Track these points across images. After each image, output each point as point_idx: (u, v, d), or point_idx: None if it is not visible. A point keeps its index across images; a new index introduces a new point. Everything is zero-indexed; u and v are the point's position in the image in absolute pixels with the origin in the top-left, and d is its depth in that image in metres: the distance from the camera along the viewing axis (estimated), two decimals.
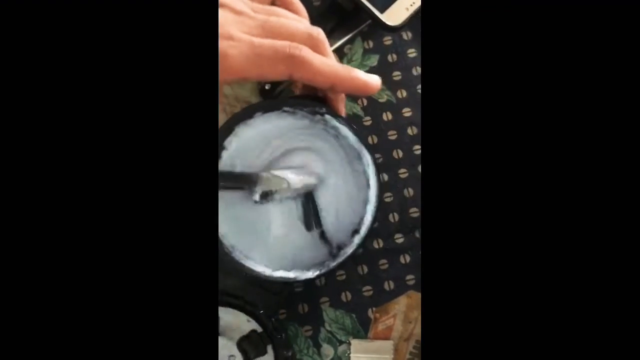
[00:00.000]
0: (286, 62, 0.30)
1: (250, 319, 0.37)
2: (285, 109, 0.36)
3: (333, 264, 0.36)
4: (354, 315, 0.39)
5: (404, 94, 0.43)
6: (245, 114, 0.36)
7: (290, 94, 0.42)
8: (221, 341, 0.36)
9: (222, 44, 0.29)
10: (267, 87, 0.41)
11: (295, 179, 0.37)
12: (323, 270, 0.36)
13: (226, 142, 0.36)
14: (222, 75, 0.30)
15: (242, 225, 0.36)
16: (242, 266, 0.35)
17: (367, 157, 0.37)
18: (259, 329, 0.37)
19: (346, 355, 0.38)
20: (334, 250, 0.37)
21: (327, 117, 0.37)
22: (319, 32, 0.33)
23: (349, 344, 0.39)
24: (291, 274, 0.36)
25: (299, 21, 0.33)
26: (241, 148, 0.37)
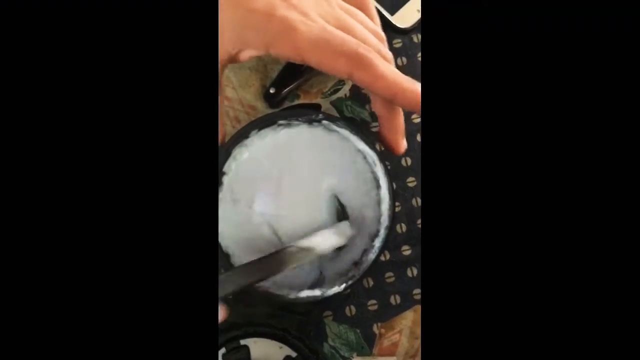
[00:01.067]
0: (351, 57, 0.29)
1: (283, 345, 0.35)
2: (280, 122, 0.35)
3: (359, 272, 0.34)
4: (358, 331, 0.38)
5: None
6: (241, 135, 0.35)
7: (295, 99, 0.41)
8: None
9: (295, 17, 0.29)
10: (271, 91, 0.39)
11: (325, 245, 0.34)
12: (350, 282, 0.34)
13: (225, 167, 0.35)
14: (281, 47, 0.29)
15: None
16: (267, 293, 0.33)
17: (372, 157, 0.36)
18: (293, 354, 0.35)
19: None
20: (357, 257, 0.36)
21: (325, 122, 0.36)
22: (387, 50, 0.32)
23: None
24: (317, 292, 0.34)
25: (374, 33, 0.32)
26: (242, 171, 0.36)
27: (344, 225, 0.35)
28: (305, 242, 0.33)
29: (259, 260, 0.32)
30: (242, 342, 0.35)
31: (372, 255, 0.35)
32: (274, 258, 0.32)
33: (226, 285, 0.29)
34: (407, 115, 0.41)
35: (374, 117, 0.41)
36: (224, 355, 0.35)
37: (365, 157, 0.37)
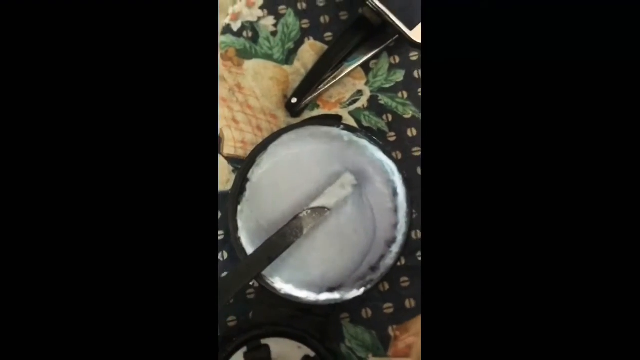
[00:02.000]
0: None
1: (302, 345, 0.36)
2: (300, 131, 0.37)
3: (376, 276, 0.36)
4: (373, 332, 0.39)
5: None
6: (265, 144, 0.37)
7: (314, 108, 0.42)
8: None
9: None
10: (293, 101, 0.41)
11: (333, 200, 0.37)
12: (369, 286, 0.36)
13: (249, 174, 0.37)
14: None
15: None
16: (289, 296, 0.35)
17: (390, 166, 0.37)
18: (312, 354, 0.36)
19: None
20: (374, 263, 0.37)
21: (344, 132, 0.37)
22: None
23: None
24: (336, 295, 0.36)
25: None
26: (264, 177, 0.38)
27: (347, 177, 0.37)
28: (315, 204, 0.36)
29: (279, 232, 0.35)
30: (263, 341, 0.37)
31: (389, 261, 0.36)
32: (291, 226, 0.36)
33: (256, 262, 0.34)
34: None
35: (391, 127, 0.42)
36: (245, 354, 0.36)
37: (383, 166, 0.38)
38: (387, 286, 0.40)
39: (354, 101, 0.43)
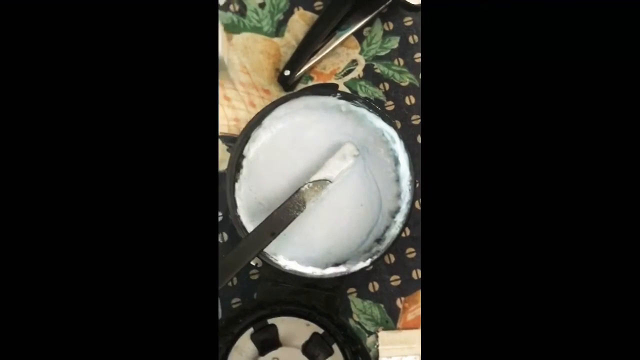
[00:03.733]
0: None
1: (310, 322, 0.35)
2: (294, 103, 0.35)
3: (382, 247, 0.35)
4: (382, 306, 0.38)
5: None
6: (259, 119, 0.35)
7: (308, 81, 0.41)
8: (286, 351, 0.35)
9: None
10: (286, 74, 0.40)
11: (335, 172, 0.36)
12: (375, 257, 0.35)
13: (245, 150, 0.36)
14: None
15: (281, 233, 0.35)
16: (294, 272, 0.34)
17: (391, 134, 0.36)
18: (320, 330, 0.35)
19: (375, 347, 0.38)
20: (380, 235, 0.36)
21: (341, 102, 0.36)
22: None
23: (377, 335, 0.38)
24: (342, 268, 0.35)
25: None
26: (260, 152, 0.37)
27: (347, 147, 0.36)
28: (316, 177, 0.36)
29: (281, 207, 0.34)
30: (270, 321, 0.36)
31: (394, 231, 0.35)
32: (292, 200, 0.35)
33: (258, 238, 0.33)
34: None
35: (388, 95, 0.41)
36: (252, 335, 0.36)
37: (383, 135, 0.37)
38: (393, 258, 0.39)
39: (349, 71, 0.41)
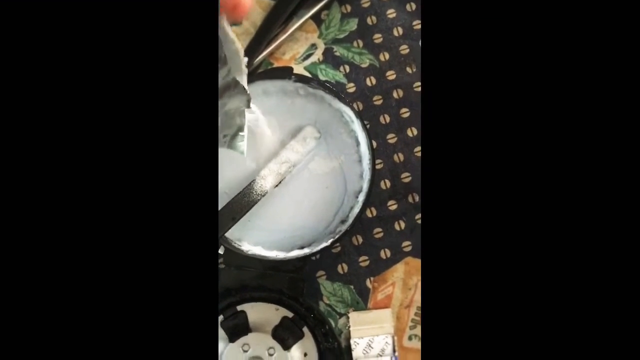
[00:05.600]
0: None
1: (279, 307, 0.36)
2: (251, 89, 0.35)
3: (344, 227, 0.35)
4: (351, 287, 0.39)
5: (387, 56, 0.41)
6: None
7: (268, 66, 0.41)
8: (256, 336, 0.35)
9: None
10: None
11: (296, 155, 0.36)
12: (337, 236, 0.35)
13: None
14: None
15: (244, 217, 0.35)
16: (257, 255, 0.34)
17: (349, 114, 0.36)
18: (290, 314, 0.36)
19: (346, 328, 0.38)
20: (345, 216, 0.36)
21: (299, 85, 0.36)
22: None
23: (348, 317, 0.38)
24: (306, 250, 0.35)
25: None
26: None
27: (308, 130, 0.36)
28: (277, 161, 0.36)
29: (241, 192, 0.34)
30: (239, 308, 0.36)
31: (356, 210, 0.35)
32: (253, 185, 0.35)
33: (220, 222, 0.33)
34: (382, 73, 0.41)
35: (349, 78, 0.41)
36: (222, 323, 0.36)
37: (342, 116, 0.37)
38: (360, 239, 0.39)
39: (309, 55, 0.41)
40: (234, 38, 0.29)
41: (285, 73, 0.36)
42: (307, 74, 0.41)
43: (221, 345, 0.36)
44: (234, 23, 0.34)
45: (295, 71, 0.37)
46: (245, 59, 0.31)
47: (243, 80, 0.30)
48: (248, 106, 0.31)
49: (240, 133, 0.32)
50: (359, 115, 0.35)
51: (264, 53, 0.40)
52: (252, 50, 0.40)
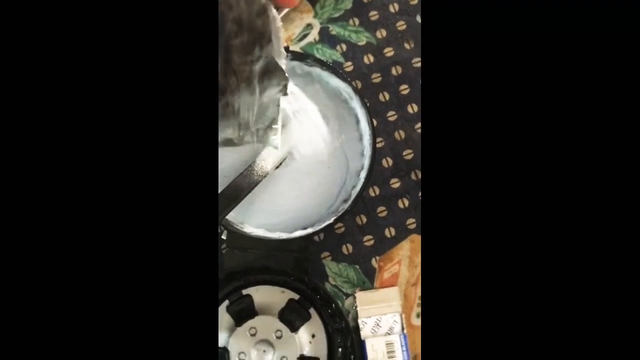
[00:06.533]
0: None
1: (284, 289, 0.35)
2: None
3: (347, 205, 0.35)
4: (357, 267, 0.38)
5: (384, 33, 0.41)
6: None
7: None
8: (263, 320, 0.34)
9: None
10: None
11: (297, 135, 0.35)
12: (340, 214, 0.34)
13: None
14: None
15: (246, 200, 0.34)
16: (260, 237, 0.34)
17: (348, 92, 0.36)
18: (296, 296, 0.35)
19: (353, 308, 0.37)
20: (347, 195, 0.36)
21: (295, 64, 0.35)
22: None
23: (355, 297, 0.37)
24: (309, 230, 0.34)
25: None
26: None
27: (307, 111, 0.35)
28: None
29: (241, 173, 0.33)
30: (245, 292, 0.36)
31: (358, 188, 0.35)
32: (253, 166, 0.33)
33: (221, 204, 0.32)
34: (379, 51, 0.41)
35: (346, 56, 0.41)
36: (228, 307, 0.35)
37: (341, 93, 0.36)
38: (364, 219, 0.39)
39: (305, 36, 0.41)
40: (276, 15, 0.26)
41: None
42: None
43: (227, 331, 0.35)
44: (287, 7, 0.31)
45: (289, 46, 0.36)
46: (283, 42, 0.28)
47: (282, 63, 0.28)
48: (285, 93, 0.29)
49: (274, 126, 0.31)
50: (358, 91, 0.35)
51: None
52: None
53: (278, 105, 0.29)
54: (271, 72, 0.28)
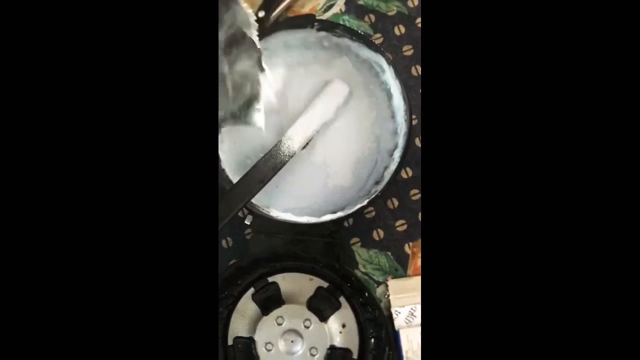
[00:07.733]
0: None
1: (312, 277, 0.33)
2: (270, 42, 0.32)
3: (379, 187, 0.32)
4: (389, 253, 0.36)
5: (415, 1, 0.38)
6: None
7: (283, 18, 0.38)
8: (291, 308, 0.32)
9: None
10: (260, 15, 0.36)
11: (324, 113, 0.33)
12: (372, 197, 0.32)
13: None
14: None
15: (272, 182, 0.32)
16: (287, 221, 0.32)
17: (379, 62, 0.33)
18: (325, 284, 0.33)
19: (385, 297, 0.35)
20: (379, 177, 0.33)
21: (322, 34, 0.33)
22: None
23: (387, 285, 0.35)
24: (340, 214, 0.32)
25: None
26: None
27: (334, 85, 0.33)
28: (302, 120, 0.32)
29: (267, 154, 0.32)
30: (270, 279, 0.34)
31: (392, 167, 0.32)
32: (278, 146, 0.32)
33: (246, 187, 0.30)
34: (411, 21, 0.38)
35: (375, 28, 0.38)
36: (253, 295, 0.33)
37: (372, 66, 0.34)
38: (396, 202, 0.36)
39: (330, 6, 0.38)
40: None
41: (307, 21, 0.33)
42: None
43: (252, 321, 0.33)
44: None
45: (315, 15, 0.34)
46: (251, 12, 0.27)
47: (252, 33, 0.26)
48: (261, 68, 0.28)
49: (256, 105, 0.30)
50: (391, 62, 0.32)
51: (282, 6, 0.37)
52: (268, 2, 0.37)
53: (257, 83, 0.28)
54: (239, 41, 0.26)
